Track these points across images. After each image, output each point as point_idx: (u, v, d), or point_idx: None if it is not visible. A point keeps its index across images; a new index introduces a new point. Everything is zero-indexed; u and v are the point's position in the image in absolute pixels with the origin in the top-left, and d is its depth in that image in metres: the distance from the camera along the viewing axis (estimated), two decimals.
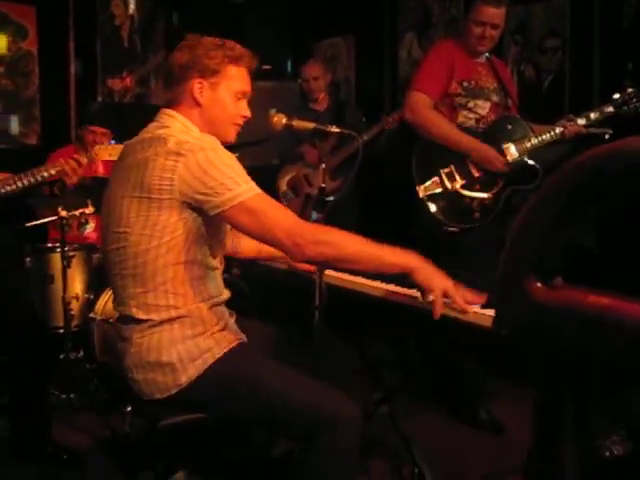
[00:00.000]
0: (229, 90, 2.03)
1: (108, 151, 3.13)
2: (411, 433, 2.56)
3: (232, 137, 2.09)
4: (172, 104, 2.03)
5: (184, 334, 1.93)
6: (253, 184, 1.89)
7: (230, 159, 1.89)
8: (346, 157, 4.30)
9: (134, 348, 1.95)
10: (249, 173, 1.92)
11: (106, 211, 2.01)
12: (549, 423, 0.72)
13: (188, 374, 1.91)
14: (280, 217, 1.88)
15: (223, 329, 2.02)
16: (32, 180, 2.92)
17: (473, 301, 1.85)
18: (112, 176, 2.04)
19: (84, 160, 3.07)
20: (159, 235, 1.87)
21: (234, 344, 2.00)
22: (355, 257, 1.89)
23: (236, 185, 1.84)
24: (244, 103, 2.08)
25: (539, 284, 0.66)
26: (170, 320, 1.93)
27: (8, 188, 2.85)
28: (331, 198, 4.05)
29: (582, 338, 0.62)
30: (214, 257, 2.03)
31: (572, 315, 0.63)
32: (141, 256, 1.90)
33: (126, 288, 1.96)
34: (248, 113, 2.09)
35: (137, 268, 1.91)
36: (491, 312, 1.76)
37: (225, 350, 1.96)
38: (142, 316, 1.93)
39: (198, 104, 2.01)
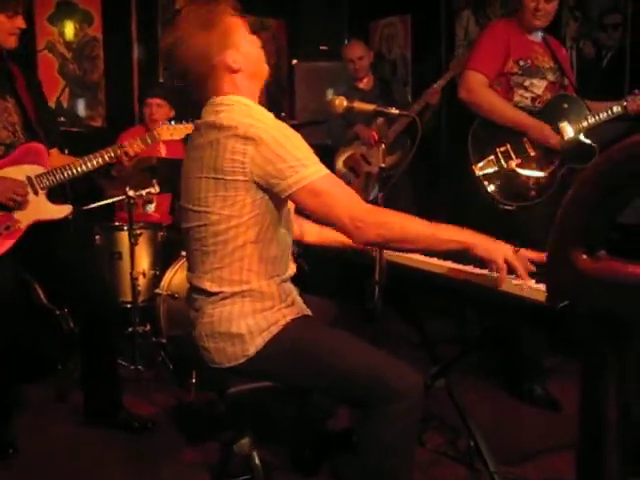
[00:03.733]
0: (245, 38, 2.03)
1: (169, 131, 3.16)
2: (467, 407, 2.58)
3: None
4: (213, 95, 2.00)
5: (254, 308, 1.98)
6: (320, 165, 1.90)
7: (297, 139, 1.91)
8: (399, 132, 4.41)
9: (206, 318, 2.01)
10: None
11: (184, 189, 2.05)
12: (595, 386, 0.78)
13: (256, 344, 1.96)
14: (344, 199, 1.89)
15: (291, 305, 2.07)
16: (100, 161, 2.94)
17: (536, 259, 1.88)
18: (186, 156, 2.08)
19: (147, 141, 3.09)
20: (238, 215, 1.92)
21: (299, 316, 2.06)
22: (414, 237, 1.90)
23: (303, 167, 1.86)
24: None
25: (585, 256, 0.71)
26: (241, 293, 1.98)
27: (76, 170, 2.89)
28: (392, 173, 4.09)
29: (622, 304, 0.67)
30: (287, 235, 2.07)
31: (613, 283, 0.68)
32: (221, 234, 1.94)
33: (204, 263, 2.01)
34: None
35: (217, 245, 1.96)
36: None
37: (290, 320, 2.01)
38: (215, 289, 1.99)
39: (235, 71, 1.99)
